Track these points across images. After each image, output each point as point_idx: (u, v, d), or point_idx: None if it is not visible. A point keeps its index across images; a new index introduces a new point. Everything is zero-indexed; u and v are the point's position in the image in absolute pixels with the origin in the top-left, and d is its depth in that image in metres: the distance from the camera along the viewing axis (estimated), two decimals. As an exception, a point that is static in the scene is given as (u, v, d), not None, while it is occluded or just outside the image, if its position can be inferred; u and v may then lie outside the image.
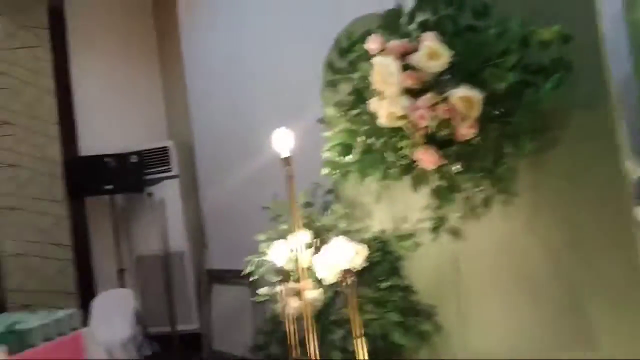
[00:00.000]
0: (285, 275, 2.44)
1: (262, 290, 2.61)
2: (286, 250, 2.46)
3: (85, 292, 5.18)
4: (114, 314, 4.76)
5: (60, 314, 3.55)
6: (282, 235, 2.62)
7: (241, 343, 4.76)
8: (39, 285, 5.05)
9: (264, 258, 2.59)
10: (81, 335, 3.61)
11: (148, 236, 5.48)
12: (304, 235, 2.37)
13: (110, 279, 5.30)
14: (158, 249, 5.33)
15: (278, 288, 2.55)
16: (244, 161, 4.76)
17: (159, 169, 5.43)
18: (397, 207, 2.24)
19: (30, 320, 3.37)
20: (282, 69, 4.04)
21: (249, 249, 4.83)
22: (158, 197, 5.31)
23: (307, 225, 2.58)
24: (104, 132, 5.54)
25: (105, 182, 5.15)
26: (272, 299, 2.57)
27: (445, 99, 1.71)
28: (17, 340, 3.14)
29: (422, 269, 2.22)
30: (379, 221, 2.35)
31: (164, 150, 5.44)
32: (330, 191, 2.59)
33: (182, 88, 5.62)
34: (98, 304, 4.73)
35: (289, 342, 2.38)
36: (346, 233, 2.39)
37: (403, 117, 1.74)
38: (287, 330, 2.40)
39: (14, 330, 3.21)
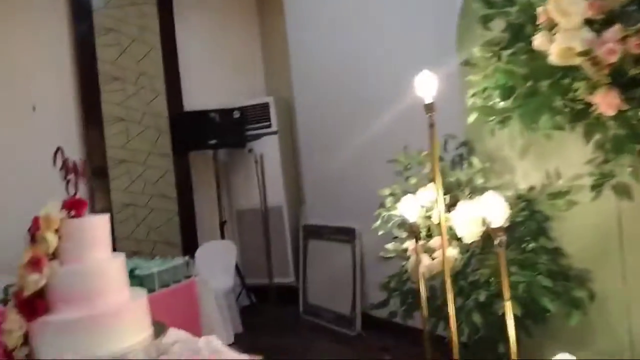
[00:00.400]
0: (416, 232, 2.27)
1: (390, 246, 2.46)
2: (417, 205, 2.28)
3: (189, 242, 5.30)
4: (217, 265, 4.84)
5: (176, 261, 3.60)
6: (409, 190, 2.45)
7: (338, 298, 4.72)
8: (146, 235, 5.21)
9: (390, 213, 2.44)
10: (195, 282, 3.66)
11: (247, 191, 5.50)
12: (439, 190, 2.19)
13: (212, 231, 5.39)
14: (257, 204, 5.34)
15: (407, 245, 2.40)
16: (346, 117, 4.60)
17: (259, 125, 5.39)
18: (548, 161, 1.99)
19: (148, 267, 3.44)
20: (397, 15, 3.78)
21: (347, 206, 4.75)
22: (257, 152, 5.28)
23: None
24: (205, 89, 5.55)
25: (209, 137, 5.18)
26: (399, 255, 2.43)
27: (637, 32, 1.44)
28: (137, 284, 3.20)
29: (575, 230, 1.98)
30: (523, 177, 2.11)
31: (264, 107, 5.37)
32: (464, 144, 2.38)
33: (282, 44, 5.50)
34: (202, 254, 4.82)
35: (419, 301, 2.24)
36: (483, 190, 2.18)
37: (584, 52, 1.49)
38: (418, 289, 2.25)
39: (134, 275, 3.28)
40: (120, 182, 5.05)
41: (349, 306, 4.54)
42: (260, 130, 5.38)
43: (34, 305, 1.78)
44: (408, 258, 2.42)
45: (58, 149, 2.01)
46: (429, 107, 1.89)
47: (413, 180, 2.47)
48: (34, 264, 1.79)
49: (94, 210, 4.86)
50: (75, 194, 1.93)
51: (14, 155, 4.50)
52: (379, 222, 2.52)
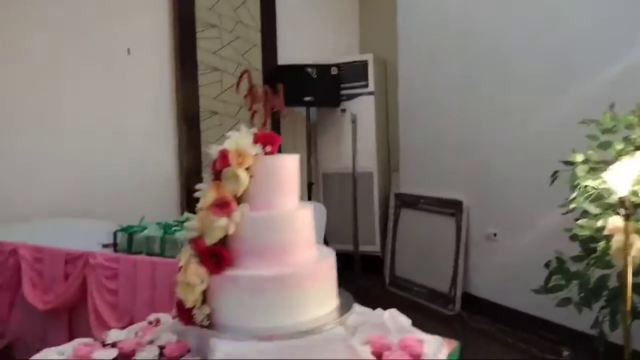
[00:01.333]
0: (627, 208, 1.87)
1: (582, 222, 2.07)
2: (632, 175, 1.88)
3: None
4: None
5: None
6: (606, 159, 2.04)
7: (434, 273, 4.37)
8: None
9: (591, 185, 2.03)
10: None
11: (336, 153, 5.15)
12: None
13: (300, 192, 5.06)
14: (345, 167, 4.99)
15: (603, 223, 2.00)
16: (453, 79, 4.16)
17: (356, 84, 4.99)
18: None
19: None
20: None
21: (449, 176, 4.35)
22: (351, 113, 4.91)
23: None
24: (300, 44, 5.15)
25: (304, 93, 4.80)
26: (593, 235, 2.03)
27: None
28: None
29: None
30: None
31: (362, 65, 4.96)
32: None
33: (382, 1, 5.08)
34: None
35: (625, 293, 1.86)
36: None
37: None
38: (624, 276, 1.87)
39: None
40: (211, 134, 4.75)
41: (447, 283, 4.19)
42: (355, 90, 4.99)
43: (220, 255, 1.46)
44: (603, 239, 2.04)
45: (245, 71, 1.66)
46: None
47: (619, 146, 2.06)
48: (222, 207, 1.47)
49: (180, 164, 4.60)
50: (264, 125, 1.59)
51: (108, 99, 4.24)
52: (574, 195, 2.11)
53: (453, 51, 4.16)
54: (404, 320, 1.71)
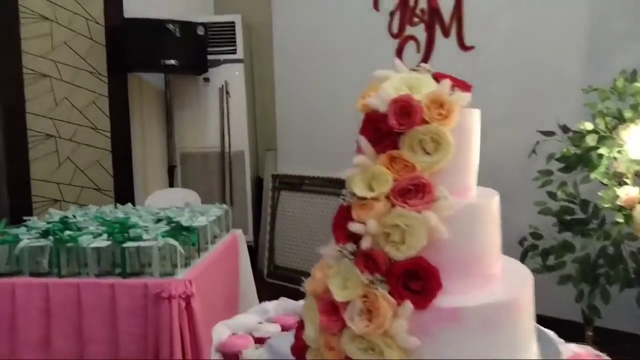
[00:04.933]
0: None
1: (602, 194, 1.93)
2: None
3: (124, 189, 3.97)
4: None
5: (215, 211, 2.52)
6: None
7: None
8: (70, 178, 3.75)
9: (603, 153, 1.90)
10: (237, 237, 2.62)
11: (198, 130, 4.33)
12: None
13: (156, 178, 4.14)
14: (210, 146, 4.26)
15: (623, 192, 1.90)
16: (340, 44, 3.79)
17: (221, 49, 4.23)
18: None
19: (190, 217, 2.31)
20: None
21: (334, 154, 4.00)
22: (216, 84, 4.18)
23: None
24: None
25: (164, 55, 3.83)
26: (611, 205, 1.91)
27: None
28: (191, 241, 2.12)
29: None
30: None
31: (228, 26, 4.21)
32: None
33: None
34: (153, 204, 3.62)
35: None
36: None
37: None
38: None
39: (185, 227, 2.15)
40: (38, 104, 3.51)
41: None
42: (220, 55, 4.23)
43: (429, 275, 0.84)
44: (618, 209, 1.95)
45: None
46: None
47: (628, 114, 1.97)
48: (417, 192, 0.84)
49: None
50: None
51: None
52: (603, 168, 1.96)
53: (338, 15, 3.78)
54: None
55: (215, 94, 4.23)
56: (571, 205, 2.13)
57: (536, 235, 2.24)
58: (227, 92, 4.06)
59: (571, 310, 2.19)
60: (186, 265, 1.92)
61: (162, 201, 3.65)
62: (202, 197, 3.77)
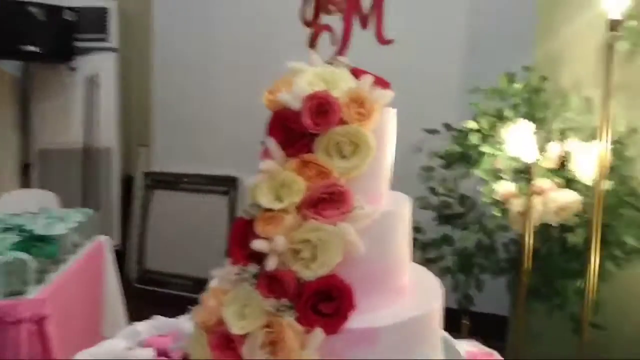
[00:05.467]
0: (531, 173, 1.90)
1: (482, 189, 2.00)
2: (531, 139, 1.90)
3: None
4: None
5: (77, 215, 2.18)
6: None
7: (200, 261, 3.76)
8: None
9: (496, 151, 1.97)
10: (103, 245, 2.29)
11: (62, 124, 3.85)
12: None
13: (6, 177, 3.59)
14: (73, 142, 3.81)
15: (501, 188, 1.98)
16: (222, 36, 3.61)
17: (91, 36, 3.79)
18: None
19: (46, 223, 1.97)
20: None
21: (214, 151, 3.78)
22: (84, 73, 3.76)
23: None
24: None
25: (23, 41, 3.33)
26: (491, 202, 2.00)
27: None
28: (48, 252, 1.80)
29: None
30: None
31: (101, 12, 3.80)
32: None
33: None
34: (5, 209, 3.13)
35: (525, 256, 1.89)
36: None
37: None
38: (524, 240, 1.89)
39: (38, 237, 1.82)
40: None
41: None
42: (90, 43, 3.79)
43: (343, 295, 0.71)
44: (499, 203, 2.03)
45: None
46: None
47: (508, 113, 2.06)
48: (333, 202, 0.71)
49: None
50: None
51: None
52: (486, 165, 2.01)
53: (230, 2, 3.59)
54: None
55: (82, 85, 3.79)
56: (450, 200, 2.18)
57: (417, 230, 2.25)
58: (97, 83, 3.64)
59: (446, 298, 2.24)
60: (39, 281, 1.61)
61: (12, 206, 3.14)
62: (63, 200, 3.34)
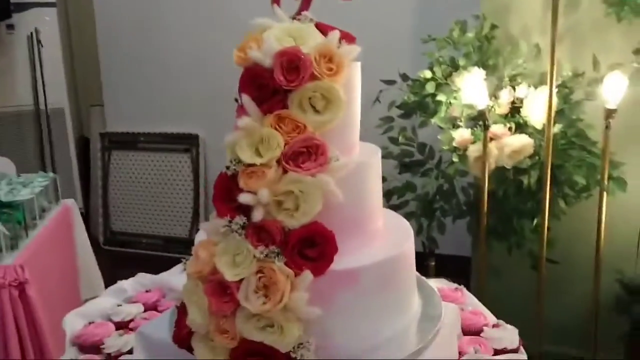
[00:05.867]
0: (485, 119, 1.99)
1: (442, 137, 2.08)
2: (483, 86, 1.98)
3: None
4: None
5: (39, 179, 2.14)
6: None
7: (168, 220, 3.78)
8: None
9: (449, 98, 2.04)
10: (70, 208, 2.27)
11: (6, 86, 3.68)
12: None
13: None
14: (21, 104, 3.66)
15: (458, 134, 2.08)
16: None
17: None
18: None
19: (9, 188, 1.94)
20: None
21: (172, 108, 3.70)
22: (24, 32, 3.57)
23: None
24: None
25: None
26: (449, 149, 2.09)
27: None
28: (15, 218, 1.79)
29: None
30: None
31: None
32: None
33: None
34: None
35: (483, 198, 2.01)
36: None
37: None
38: (481, 184, 2.01)
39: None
40: None
41: (186, 227, 3.72)
42: (26, -1, 3.59)
43: (326, 240, 0.78)
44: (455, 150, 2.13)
45: None
46: None
47: (462, 62, 2.12)
48: (310, 155, 0.76)
49: None
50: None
51: None
52: (442, 113, 2.08)
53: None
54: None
55: (24, 44, 3.61)
56: (410, 148, 2.26)
57: (382, 179, 2.33)
58: (39, 41, 3.47)
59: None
60: (13, 247, 1.61)
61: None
62: (17, 165, 3.25)
